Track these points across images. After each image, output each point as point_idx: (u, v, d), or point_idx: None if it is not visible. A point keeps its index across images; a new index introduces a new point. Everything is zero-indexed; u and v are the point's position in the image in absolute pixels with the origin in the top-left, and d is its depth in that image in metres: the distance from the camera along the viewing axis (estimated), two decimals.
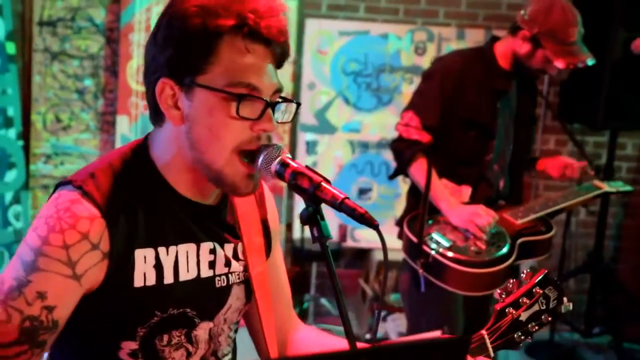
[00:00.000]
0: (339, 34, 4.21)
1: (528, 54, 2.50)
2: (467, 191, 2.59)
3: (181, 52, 1.15)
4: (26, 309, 1.07)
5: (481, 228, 2.41)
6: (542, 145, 4.43)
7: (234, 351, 1.40)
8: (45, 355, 1.27)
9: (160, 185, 1.22)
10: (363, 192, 4.30)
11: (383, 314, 3.93)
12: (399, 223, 2.69)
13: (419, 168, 2.49)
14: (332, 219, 3.90)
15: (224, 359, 1.34)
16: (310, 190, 1.10)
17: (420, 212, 2.36)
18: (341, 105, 4.25)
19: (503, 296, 1.37)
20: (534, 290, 1.37)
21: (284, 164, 1.14)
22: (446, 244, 2.41)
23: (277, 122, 1.19)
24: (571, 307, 1.40)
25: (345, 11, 4.23)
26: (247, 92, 1.14)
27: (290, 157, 1.15)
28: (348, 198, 1.07)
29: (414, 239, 2.41)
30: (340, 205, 1.07)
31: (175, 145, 1.20)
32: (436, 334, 1.21)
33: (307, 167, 1.13)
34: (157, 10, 3.99)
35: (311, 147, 4.25)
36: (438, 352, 0.91)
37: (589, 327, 4.23)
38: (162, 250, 1.20)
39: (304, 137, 4.24)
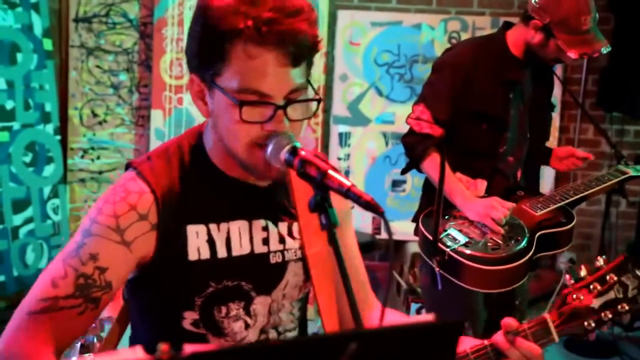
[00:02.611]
0: (371, 25, 4.18)
1: (541, 43, 2.41)
2: (482, 185, 2.53)
3: (199, 51, 1.21)
4: (80, 267, 1.20)
5: (497, 221, 2.35)
6: (580, 134, 4.34)
7: (302, 331, 1.43)
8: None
9: (209, 167, 1.30)
10: (396, 184, 4.27)
11: (417, 306, 3.90)
12: (415, 219, 2.65)
13: (431, 163, 2.44)
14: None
15: (287, 335, 1.38)
16: (318, 178, 1.11)
17: (434, 208, 2.31)
18: (374, 97, 4.23)
19: (572, 282, 1.32)
20: (607, 277, 1.31)
21: (292, 153, 1.15)
22: (462, 240, 2.35)
23: (291, 121, 1.20)
24: None
25: (377, 2, 4.19)
26: (255, 99, 1.17)
27: (299, 145, 1.17)
28: (354, 186, 1.09)
29: (430, 237, 2.36)
30: (346, 193, 1.08)
31: (213, 133, 1.28)
32: (429, 317, 1.18)
33: (315, 155, 1.15)
34: (189, 5, 4.02)
35: (344, 139, 4.24)
36: (430, 335, 0.90)
37: (630, 321, 4.13)
38: (213, 226, 1.28)
39: (336, 129, 4.23)
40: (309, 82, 1.24)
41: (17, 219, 3.64)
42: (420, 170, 2.56)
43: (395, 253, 4.30)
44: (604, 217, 3.82)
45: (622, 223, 4.36)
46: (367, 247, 4.11)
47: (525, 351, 1.24)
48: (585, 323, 1.30)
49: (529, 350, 1.24)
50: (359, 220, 4.21)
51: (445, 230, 2.39)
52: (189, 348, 0.77)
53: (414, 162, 2.55)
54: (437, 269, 2.29)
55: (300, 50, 1.18)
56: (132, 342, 1.39)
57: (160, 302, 1.30)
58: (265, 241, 1.32)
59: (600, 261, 1.33)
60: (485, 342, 1.27)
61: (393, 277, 4.00)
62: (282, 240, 1.34)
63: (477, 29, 4.16)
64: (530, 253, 2.35)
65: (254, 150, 1.20)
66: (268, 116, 1.18)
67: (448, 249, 2.31)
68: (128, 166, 1.31)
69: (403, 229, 4.07)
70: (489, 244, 2.34)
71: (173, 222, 1.25)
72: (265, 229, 1.33)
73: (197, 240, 1.26)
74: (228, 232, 1.29)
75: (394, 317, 1.49)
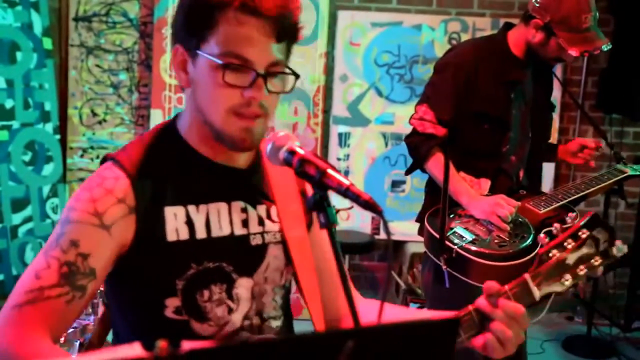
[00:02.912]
0: (372, 26, 4.18)
1: (541, 42, 2.43)
2: (485, 184, 2.54)
3: (187, 20, 1.25)
4: (62, 256, 1.20)
5: (503, 219, 2.37)
6: (579, 136, 4.34)
7: (287, 321, 1.42)
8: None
9: (185, 150, 1.32)
10: (396, 184, 4.27)
11: (416, 306, 3.90)
12: (419, 219, 2.66)
13: (436, 163, 2.45)
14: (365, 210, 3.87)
15: (271, 322, 1.37)
16: (317, 177, 1.12)
17: (440, 206, 2.32)
18: (374, 98, 4.23)
19: (547, 240, 1.33)
20: (580, 232, 1.31)
21: (291, 152, 1.17)
22: (469, 237, 2.36)
23: (269, 92, 1.24)
24: (626, 250, 1.33)
25: (378, 2, 4.19)
26: (238, 63, 1.21)
27: (298, 144, 1.19)
28: (353, 185, 1.10)
29: (436, 235, 2.37)
30: (345, 192, 1.09)
31: (190, 108, 1.32)
32: (426, 314, 1.18)
33: (314, 154, 1.16)
34: None
35: (344, 139, 4.24)
36: (428, 332, 0.90)
37: (628, 322, 4.14)
38: (192, 208, 1.29)
39: (336, 129, 4.23)
40: (287, 66, 1.28)
41: (16, 218, 3.65)
42: (424, 171, 2.57)
43: (394, 253, 4.30)
44: (603, 218, 3.82)
45: (621, 224, 4.37)
46: (366, 247, 4.11)
47: (509, 311, 1.24)
48: (562, 279, 1.30)
49: (512, 310, 1.24)
50: (358, 220, 4.21)
51: (452, 229, 2.40)
52: (187, 345, 0.77)
53: (418, 163, 2.56)
54: (444, 267, 2.30)
55: (284, 25, 1.23)
56: (115, 344, 1.37)
57: (142, 293, 1.29)
58: (245, 223, 1.33)
59: (571, 219, 1.34)
60: (470, 307, 1.28)
61: (392, 277, 4.01)
62: (261, 222, 1.35)
63: (477, 30, 4.16)
64: (537, 250, 2.36)
65: (231, 118, 1.23)
66: (249, 82, 1.21)
67: (455, 246, 2.32)
68: (105, 159, 1.32)
69: (402, 229, 4.08)
70: (495, 241, 2.36)
71: (151, 205, 1.26)
72: (245, 210, 1.34)
73: (175, 222, 1.27)
74: (207, 214, 1.30)
75: (394, 311, 1.49)
